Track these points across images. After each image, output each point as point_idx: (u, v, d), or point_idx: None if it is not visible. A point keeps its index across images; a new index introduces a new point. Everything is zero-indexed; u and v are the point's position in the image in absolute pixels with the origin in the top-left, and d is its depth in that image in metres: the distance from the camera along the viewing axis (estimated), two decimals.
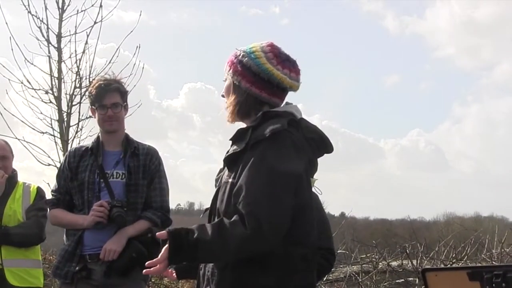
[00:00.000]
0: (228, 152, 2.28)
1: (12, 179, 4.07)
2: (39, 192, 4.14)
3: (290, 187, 2.13)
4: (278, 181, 2.10)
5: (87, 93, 6.52)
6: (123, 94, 3.50)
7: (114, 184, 3.42)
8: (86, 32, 6.52)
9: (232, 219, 2.09)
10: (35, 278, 4.01)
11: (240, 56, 2.31)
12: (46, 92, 6.51)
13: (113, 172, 3.45)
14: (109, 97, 3.41)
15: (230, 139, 2.32)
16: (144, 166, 3.47)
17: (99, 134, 3.56)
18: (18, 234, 3.91)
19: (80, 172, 3.46)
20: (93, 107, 3.50)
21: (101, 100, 3.41)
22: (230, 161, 2.25)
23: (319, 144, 2.30)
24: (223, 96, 2.39)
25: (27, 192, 4.08)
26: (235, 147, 2.26)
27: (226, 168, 2.30)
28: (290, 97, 2.36)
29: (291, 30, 64.13)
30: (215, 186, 2.37)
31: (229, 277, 2.18)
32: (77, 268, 3.35)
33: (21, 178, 4.17)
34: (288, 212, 2.11)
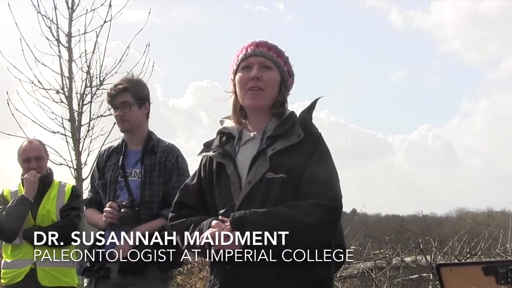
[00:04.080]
0: (273, 148, 2.16)
1: (47, 178, 4.05)
2: (74, 191, 4.11)
3: None
4: (338, 176, 2.21)
5: (97, 91, 6.62)
6: (134, 92, 3.45)
7: (132, 183, 3.44)
8: (96, 32, 6.55)
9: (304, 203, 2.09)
10: (69, 277, 4.01)
11: (286, 57, 2.31)
12: (57, 92, 6.55)
13: (132, 171, 3.46)
14: (118, 97, 3.43)
15: (274, 136, 2.20)
16: (160, 164, 3.44)
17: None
18: (51, 234, 3.91)
19: (106, 172, 3.52)
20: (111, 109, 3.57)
21: (112, 101, 3.46)
22: (278, 157, 2.15)
23: None
24: (257, 78, 2.22)
25: (62, 192, 4.06)
26: (282, 142, 2.17)
27: (261, 164, 2.17)
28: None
29: (296, 26, 64.08)
30: (234, 184, 2.21)
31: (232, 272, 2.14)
32: (95, 267, 3.38)
33: None
34: None
